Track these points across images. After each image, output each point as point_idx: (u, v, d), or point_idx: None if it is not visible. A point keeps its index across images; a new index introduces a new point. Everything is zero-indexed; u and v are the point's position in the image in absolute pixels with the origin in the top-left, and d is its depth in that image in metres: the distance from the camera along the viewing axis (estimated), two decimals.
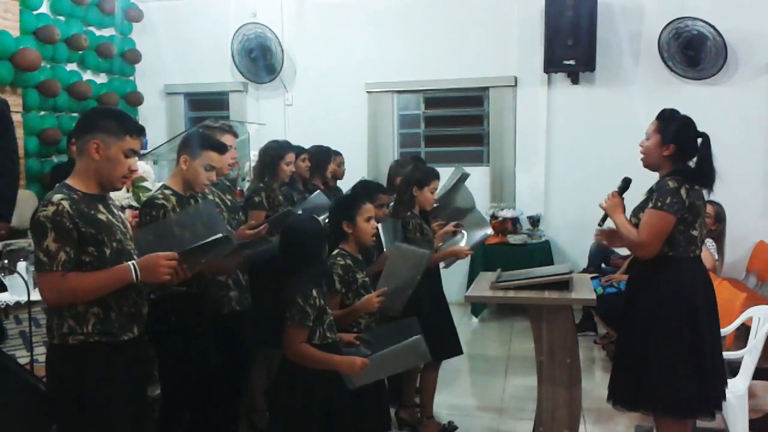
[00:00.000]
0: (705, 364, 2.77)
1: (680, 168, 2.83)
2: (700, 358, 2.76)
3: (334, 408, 2.55)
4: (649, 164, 2.91)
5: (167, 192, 2.89)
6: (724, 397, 2.89)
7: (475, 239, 3.90)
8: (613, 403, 2.95)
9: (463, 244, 3.85)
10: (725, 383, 2.89)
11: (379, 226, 3.30)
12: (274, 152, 3.75)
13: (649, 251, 2.79)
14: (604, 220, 3.03)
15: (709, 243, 4.59)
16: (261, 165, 3.77)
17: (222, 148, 3.02)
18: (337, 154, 5.04)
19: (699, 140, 2.84)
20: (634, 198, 2.97)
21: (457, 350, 3.76)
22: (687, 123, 2.87)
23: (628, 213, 2.94)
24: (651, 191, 2.86)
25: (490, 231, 4.10)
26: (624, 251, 4.38)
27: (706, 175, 2.81)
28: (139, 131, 2.29)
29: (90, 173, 2.25)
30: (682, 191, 2.75)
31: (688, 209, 2.76)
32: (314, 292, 2.50)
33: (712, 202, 4.63)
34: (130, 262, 2.18)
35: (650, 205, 2.78)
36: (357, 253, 2.95)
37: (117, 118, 2.26)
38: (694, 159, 2.85)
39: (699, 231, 2.84)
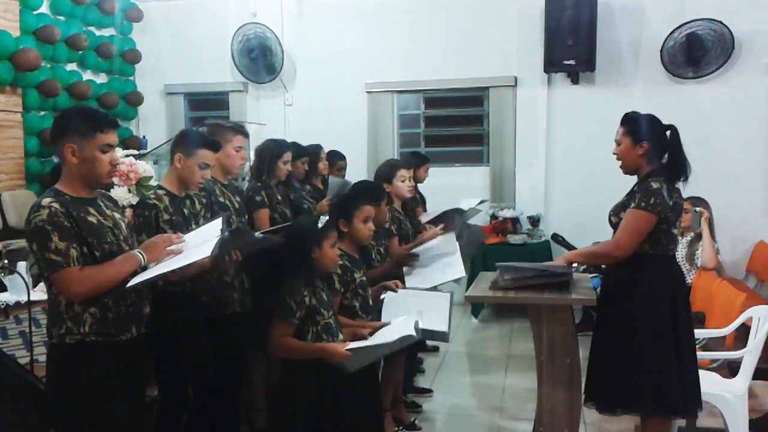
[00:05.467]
0: (685, 362, 2.80)
1: (657, 168, 2.87)
2: (681, 355, 2.79)
3: (334, 409, 2.55)
4: (628, 168, 2.95)
5: (160, 192, 2.87)
6: (699, 396, 2.88)
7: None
8: (596, 408, 2.93)
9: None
10: (698, 380, 2.90)
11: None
12: (272, 151, 3.75)
13: (626, 250, 2.81)
14: None
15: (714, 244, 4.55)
16: (259, 163, 3.77)
17: (216, 146, 3.00)
18: (341, 158, 5.02)
19: (668, 133, 2.90)
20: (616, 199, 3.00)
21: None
22: (652, 119, 2.92)
23: (607, 210, 2.98)
24: (632, 192, 2.90)
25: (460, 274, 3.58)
26: None
27: (680, 166, 2.86)
28: (111, 124, 2.25)
29: (74, 176, 2.24)
30: (665, 191, 2.79)
31: (672, 208, 2.81)
32: (305, 291, 2.50)
33: (690, 198, 4.55)
34: (135, 250, 2.26)
35: (633, 204, 2.81)
36: (354, 252, 2.95)
37: (85, 117, 2.22)
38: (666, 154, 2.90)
39: (678, 229, 2.91)
